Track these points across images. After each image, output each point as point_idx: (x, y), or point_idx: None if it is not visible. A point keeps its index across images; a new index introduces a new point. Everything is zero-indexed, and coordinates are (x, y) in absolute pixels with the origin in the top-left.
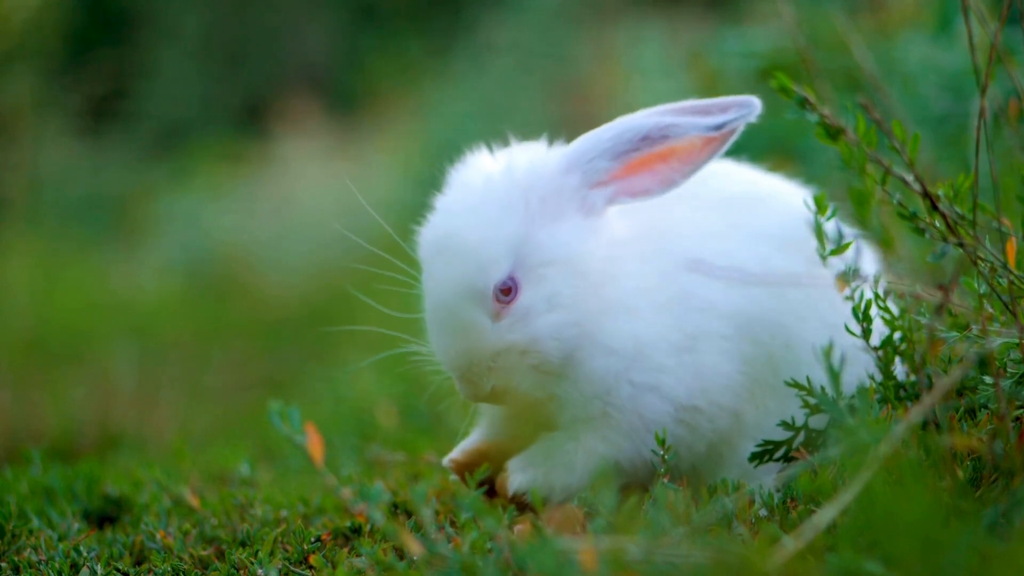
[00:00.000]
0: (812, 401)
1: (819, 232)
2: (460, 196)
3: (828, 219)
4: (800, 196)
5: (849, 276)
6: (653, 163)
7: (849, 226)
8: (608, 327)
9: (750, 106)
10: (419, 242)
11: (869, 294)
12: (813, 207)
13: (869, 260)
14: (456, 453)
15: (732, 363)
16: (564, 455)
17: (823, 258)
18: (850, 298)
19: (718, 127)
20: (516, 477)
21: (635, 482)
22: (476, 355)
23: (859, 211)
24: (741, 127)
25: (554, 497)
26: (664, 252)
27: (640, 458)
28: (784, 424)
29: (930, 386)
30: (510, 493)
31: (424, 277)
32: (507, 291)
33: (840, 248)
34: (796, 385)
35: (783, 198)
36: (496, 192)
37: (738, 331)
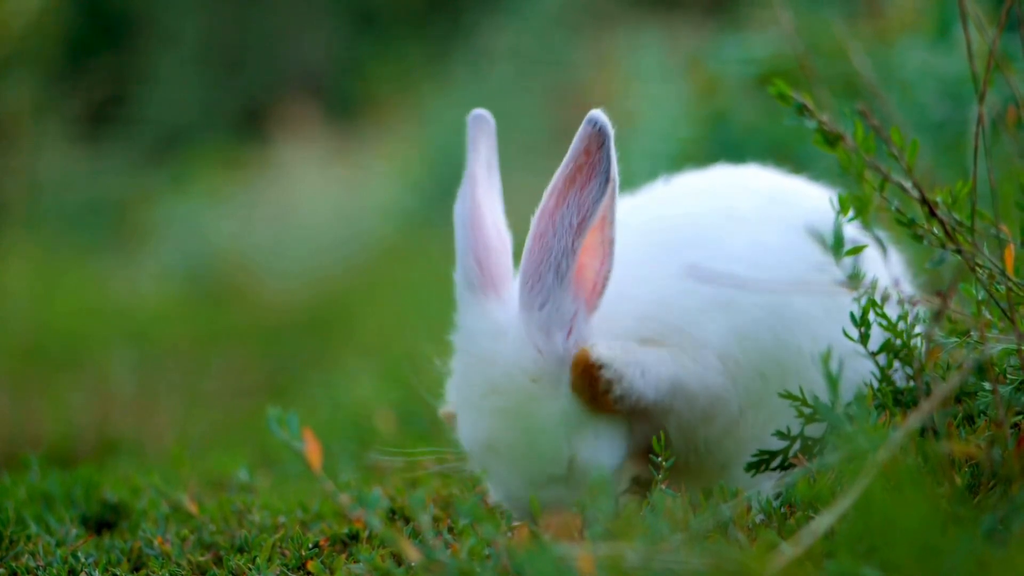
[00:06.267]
0: (807, 411)
1: (837, 235)
2: (488, 396)
3: (849, 221)
4: (818, 194)
5: (855, 281)
6: (589, 247)
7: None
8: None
9: (597, 122)
10: (461, 438)
11: (878, 297)
12: (836, 207)
13: (893, 262)
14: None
15: (765, 331)
16: (647, 355)
17: (835, 261)
18: (857, 300)
19: (607, 173)
20: (600, 347)
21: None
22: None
23: (858, 218)
24: (613, 146)
25: (622, 390)
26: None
27: (706, 380)
28: (779, 434)
29: (928, 392)
30: (592, 358)
31: (482, 469)
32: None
33: (850, 251)
34: (790, 396)
35: (805, 196)
36: (517, 392)
37: (769, 306)
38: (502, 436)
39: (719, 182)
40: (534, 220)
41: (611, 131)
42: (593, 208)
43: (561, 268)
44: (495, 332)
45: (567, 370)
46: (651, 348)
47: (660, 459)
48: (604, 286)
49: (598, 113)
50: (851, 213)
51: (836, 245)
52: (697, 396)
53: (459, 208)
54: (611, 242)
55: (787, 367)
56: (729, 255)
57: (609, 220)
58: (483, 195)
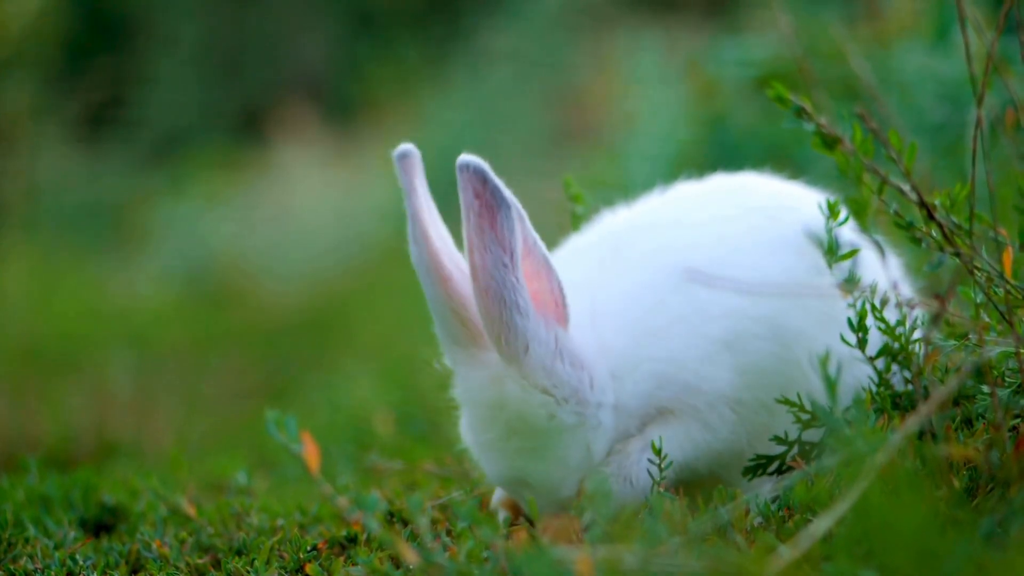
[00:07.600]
0: (805, 417)
1: (830, 240)
2: (510, 438)
3: (840, 224)
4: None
5: (851, 285)
6: (529, 275)
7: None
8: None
9: (468, 164)
10: (487, 476)
11: (875, 301)
12: (825, 212)
13: (891, 266)
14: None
15: (769, 360)
16: (631, 468)
17: (829, 266)
18: (852, 306)
19: (505, 201)
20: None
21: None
22: None
23: (856, 220)
24: (493, 175)
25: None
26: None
27: (714, 447)
28: (777, 439)
29: (927, 396)
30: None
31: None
32: None
33: (843, 256)
34: (787, 402)
35: (807, 207)
36: (537, 433)
37: (770, 332)
38: (531, 471)
39: (721, 200)
40: (472, 282)
41: (485, 164)
42: (511, 238)
43: (520, 304)
44: (495, 377)
45: (583, 389)
46: (657, 428)
47: (658, 462)
48: (563, 298)
49: (463, 157)
50: (842, 217)
51: (829, 251)
52: (701, 469)
53: (416, 256)
54: (546, 259)
55: (788, 390)
56: (734, 281)
57: (531, 241)
58: (437, 240)
